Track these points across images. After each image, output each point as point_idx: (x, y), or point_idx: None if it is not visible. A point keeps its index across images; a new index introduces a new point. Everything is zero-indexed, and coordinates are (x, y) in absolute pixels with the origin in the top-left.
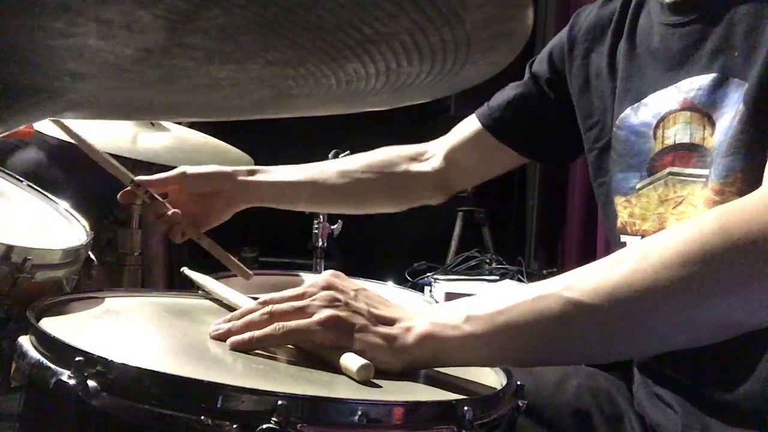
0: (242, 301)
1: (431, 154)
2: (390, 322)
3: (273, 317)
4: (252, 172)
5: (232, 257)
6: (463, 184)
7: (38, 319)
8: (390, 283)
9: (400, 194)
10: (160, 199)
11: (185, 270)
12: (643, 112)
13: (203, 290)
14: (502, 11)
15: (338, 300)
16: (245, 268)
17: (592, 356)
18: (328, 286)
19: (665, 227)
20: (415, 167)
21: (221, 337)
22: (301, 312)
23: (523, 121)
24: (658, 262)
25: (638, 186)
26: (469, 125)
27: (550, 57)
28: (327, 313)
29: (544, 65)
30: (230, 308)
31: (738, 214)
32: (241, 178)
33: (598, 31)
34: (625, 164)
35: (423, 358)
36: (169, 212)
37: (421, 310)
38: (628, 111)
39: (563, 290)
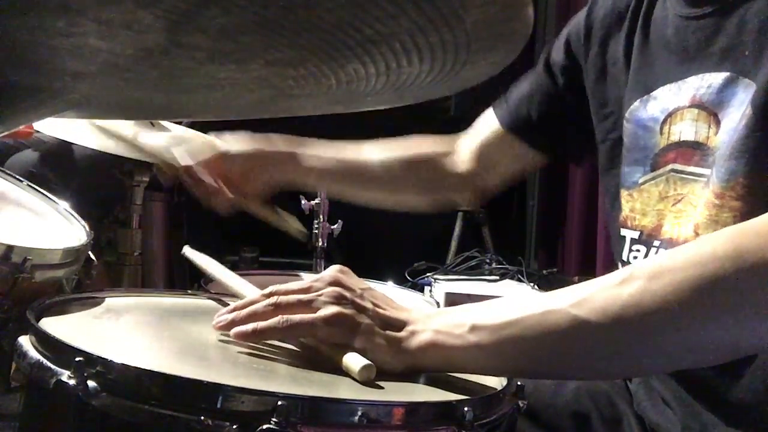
0: (243, 286)
1: (463, 155)
2: (395, 324)
3: (278, 309)
4: (292, 155)
5: (284, 215)
6: (495, 185)
7: (38, 319)
8: (390, 283)
9: (433, 192)
10: (208, 180)
11: (186, 250)
12: (651, 106)
13: (203, 272)
14: (502, 11)
15: (345, 297)
16: (301, 227)
17: (596, 373)
18: (335, 282)
19: (663, 224)
20: (449, 166)
21: (224, 328)
22: (307, 306)
23: (545, 120)
24: (669, 284)
25: (641, 181)
26: (492, 125)
27: (567, 44)
28: (332, 310)
29: (560, 53)
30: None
31: (753, 237)
32: (280, 162)
33: (614, 18)
34: (631, 158)
35: (425, 364)
36: (225, 193)
37: (427, 312)
38: (637, 103)
39: (571, 307)
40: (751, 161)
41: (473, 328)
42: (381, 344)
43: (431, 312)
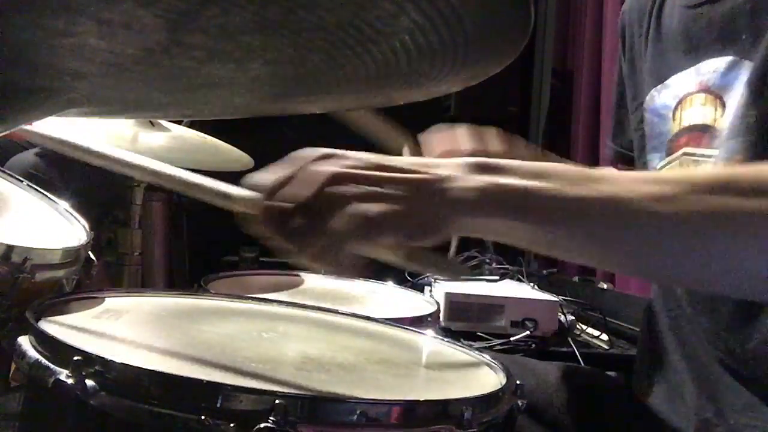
0: (100, 146)
1: None
2: (435, 190)
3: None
4: None
5: None
6: None
7: (38, 319)
8: (390, 283)
9: None
10: None
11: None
12: (664, 95)
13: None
14: (502, 11)
15: (369, 191)
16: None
17: (603, 260)
18: (339, 178)
19: None
20: None
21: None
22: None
23: None
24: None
25: (658, 166)
26: None
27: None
28: (368, 211)
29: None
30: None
31: None
32: None
33: (637, 14)
34: (650, 145)
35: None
36: None
37: (464, 169)
38: (653, 92)
39: (611, 199)
40: (747, 139)
41: (525, 195)
42: (430, 219)
43: (469, 168)
